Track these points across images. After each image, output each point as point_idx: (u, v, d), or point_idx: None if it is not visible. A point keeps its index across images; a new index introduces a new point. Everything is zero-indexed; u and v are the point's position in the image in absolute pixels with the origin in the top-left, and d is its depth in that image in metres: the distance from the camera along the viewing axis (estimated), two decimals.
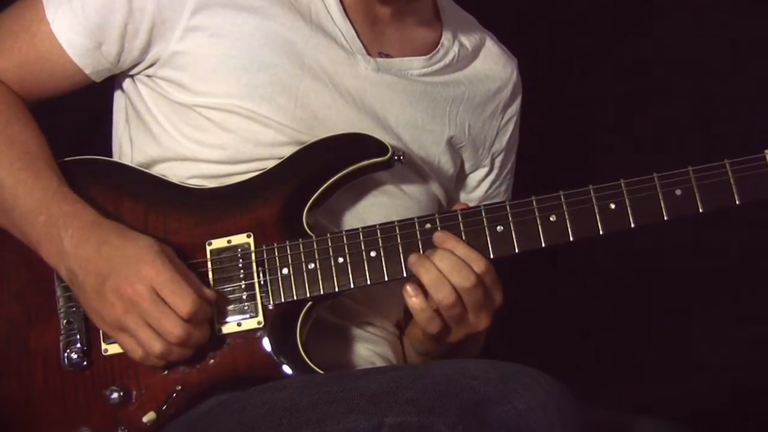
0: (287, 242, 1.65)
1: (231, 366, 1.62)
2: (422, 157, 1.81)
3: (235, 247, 1.65)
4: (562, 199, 1.61)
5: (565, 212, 1.61)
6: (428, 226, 1.63)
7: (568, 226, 1.61)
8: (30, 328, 1.67)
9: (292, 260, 1.64)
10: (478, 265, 1.59)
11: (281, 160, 1.70)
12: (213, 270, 1.65)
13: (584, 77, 2.47)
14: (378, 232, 1.64)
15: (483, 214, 1.63)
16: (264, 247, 1.65)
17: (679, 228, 1.63)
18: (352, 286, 1.63)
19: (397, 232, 1.64)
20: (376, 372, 1.62)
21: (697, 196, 1.59)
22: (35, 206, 1.63)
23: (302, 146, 1.70)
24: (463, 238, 1.62)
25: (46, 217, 1.62)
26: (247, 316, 1.63)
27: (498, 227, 1.62)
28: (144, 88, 1.77)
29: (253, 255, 1.65)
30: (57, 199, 1.63)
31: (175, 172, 1.74)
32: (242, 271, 1.64)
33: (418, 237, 1.63)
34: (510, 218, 1.62)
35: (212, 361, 1.62)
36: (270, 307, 1.63)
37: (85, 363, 1.64)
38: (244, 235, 1.66)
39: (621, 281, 2.40)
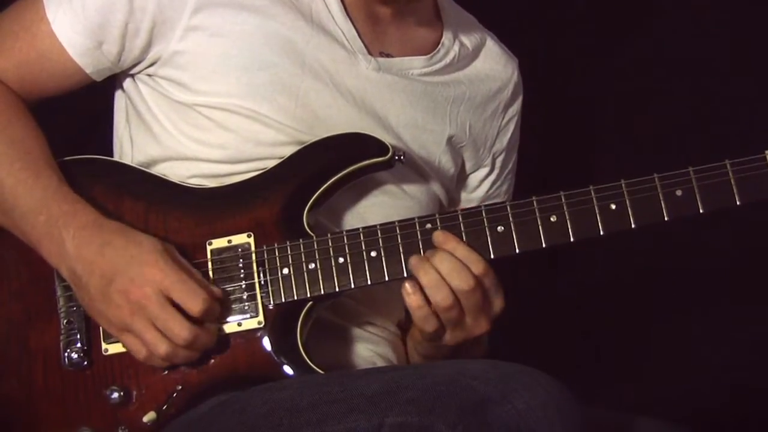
0: (288, 242, 1.64)
1: (231, 366, 1.62)
2: (423, 157, 1.81)
3: (236, 246, 1.65)
4: (563, 200, 1.61)
5: (566, 212, 1.61)
6: (429, 226, 1.63)
7: (569, 226, 1.60)
8: (30, 328, 1.67)
9: (292, 260, 1.64)
10: (478, 267, 1.59)
11: (282, 159, 1.70)
12: (213, 270, 1.65)
13: (584, 77, 2.47)
14: (378, 232, 1.64)
15: (483, 215, 1.63)
16: (264, 247, 1.65)
17: (679, 228, 1.63)
18: (352, 286, 1.63)
19: (398, 232, 1.63)
20: (376, 372, 1.62)
21: (697, 196, 1.59)
22: (35, 206, 1.63)
23: (303, 146, 1.70)
24: (464, 238, 1.62)
25: (46, 217, 1.62)
26: (248, 316, 1.63)
27: (498, 227, 1.62)
28: (144, 87, 1.77)
29: (253, 255, 1.65)
30: (57, 198, 1.63)
31: (175, 172, 1.74)
32: (243, 270, 1.64)
33: (419, 237, 1.63)
34: (510, 218, 1.62)
35: (212, 361, 1.62)
36: (270, 307, 1.63)
37: (85, 363, 1.64)
38: (245, 234, 1.66)
39: (621, 281, 2.40)
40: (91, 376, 1.64)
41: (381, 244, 1.63)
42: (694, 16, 2.42)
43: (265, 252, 1.64)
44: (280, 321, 1.63)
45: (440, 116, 1.84)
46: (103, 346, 1.64)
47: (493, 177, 1.95)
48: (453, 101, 1.85)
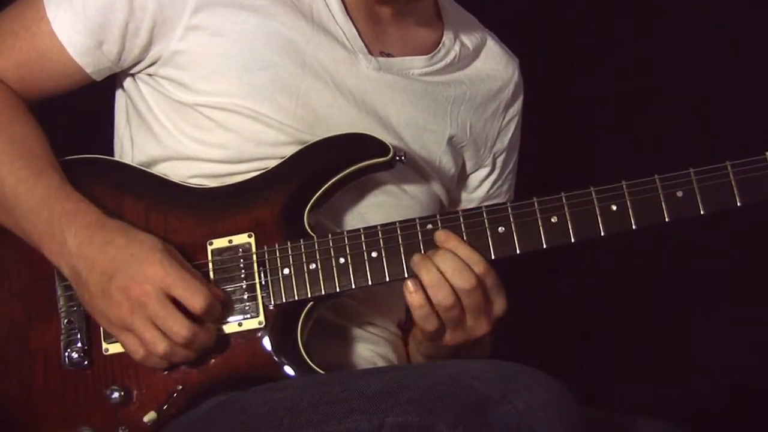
0: (288, 242, 1.64)
1: (232, 366, 1.62)
2: (423, 157, 1.81)
3: (237, 247, 1.65)
4: (564, 201, 1.61)
5: (567, 213, 1.61)
6: (430, 226, 1.63)
7: (570, 227, 1.60)
8: (31, 328, 1.67)
9: (293, 260, 1.64)
10: (479, 266, 1.59)
11: (282, 159, 1.70)
12: (214, 270, 1.64)
13: (584, 77, 2.47)
14: (379, 232, 1.64)
15: (484, 215, 1.63)
16: (265, 247, 1.65)
17: (679, 229, 1.62)
18: (353, 286, 1.63)
19: (399, 232, 1.63)
20: (377, 372, 1.62)
21: (698, 197, 1.59)
22: (37, 204, 1.63)
23: (303, 146, 1.70)
24: (465, 238, 1.62)
25: (48, 215, 1.61)
26: (248, 316, 1.63)
27: (499, 228, 1.62)
28: (145, 87, 1.77)
29: (254, 255, 1.65)
30: (60, 197, 1.63)
31: (176, 172, 1.74)
32: (243, 271, 1.64)
33: (420, 237, 1.63)
34: (511, 219, 1.62)
35: (213, 361, 1.62)
36: (271, 307, 1.63)
37: (85, 362, 1.64)
38: (245, 234, 1.66)
39: (622, 282, 2.40)
40: (91, 375, 1.64)
41: (382, 245, 1.63)
42: (694, 16, 2.42)
43: (265, 252, 1.64)
44: (280, 321, 1.63)
45: (441, 116, 1.83)
46: (104, 345, 1.64)
47: (493, 177, 1.95)
48: (454, 101, 1.85)
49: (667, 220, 1.60)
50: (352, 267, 1.63)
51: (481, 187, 1.95)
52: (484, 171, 1.94)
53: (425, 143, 1.82)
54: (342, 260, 1.63)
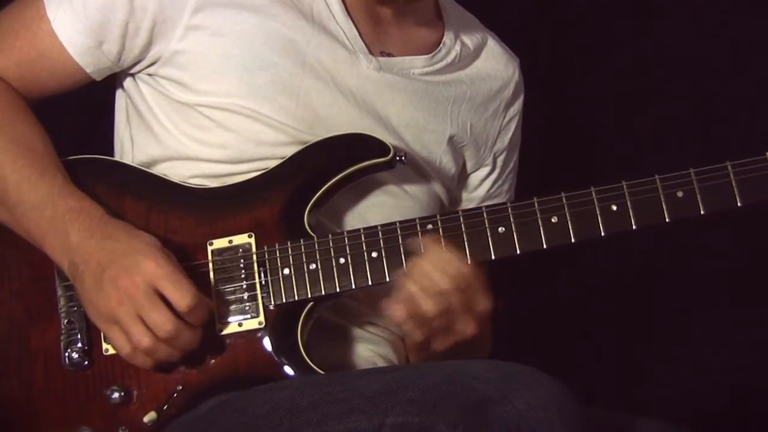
0: (288, 242, 1.65)
1: (232, 366, 1.62)
2: (424, 157, 1.81)
3: (237, 247, 1.65)
4: (564, 201, 1.61)
5: (567, 213, 1.61)
6: (430, 226, 1.63)
7: (570, 227, 1.61)
8: (31, 328, 1.67)
9: (293, 260, 1.64)
10: (454, 267, 1.59)
11: (283, 159, 1.70)
12: (214, 270, 1.65)
13: (584, 77, 2.47)
14: (380, 232, 1.64)
15: (484, 215, 1.63)
16: (265, 248, 1.65)
17: (679, 229, 1.63)
18: (353, 286, 1.63)
19: (399, 232, 1.64)
20: (377, 372, 1.62)
21: (698, 198, 1.59)
22: (40, 202, 1.63)
23: (304, 146, 1.70)
24: (465, 239, 1.62)
25: (51, 213, 1.62)
26: (249, 316, 1.63)
27: (499, 228, 1.62)
28: (145, 86, 1.77)
29: (254, 255, 1.65)
30: (63, 194, 1.63)
31: (176, 172, 1.74)
32: (243, 271, 1.64)
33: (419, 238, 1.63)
34: (511, 219, 1.62)
35: (213, 361, 1.62)
36: (271, 307, 1.63)
37: (86, 362, 1.64)
38: (246, 235, 1.66)
39: (622, 282, 2.40)
40: (91, 375, 1.65)
41: (382, 245, 1.63)
42: (694, 16, 2.42)
43: (266, 252, 1.65)
44: (280, 321, 1.63)
45: (441, 116, 1.83)
46: (104, 346, 1.64)
47: (494, 176, 1.95)
48: (454, 101, 1.85)
49: (667, 220, 1.60)
50: (352, 267, 1.63)
51: (481, 187, 1.94)
52: (485, 170, 1.94)
53: (426, 143, 1.82)
54: (342, 260, 1.63)
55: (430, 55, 1.83)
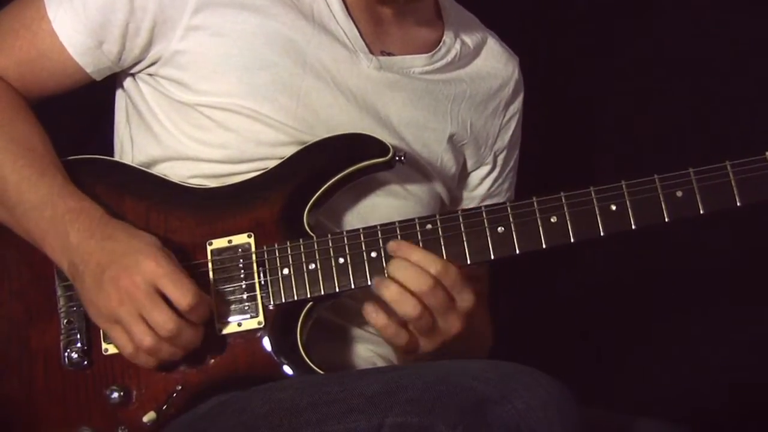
0: (288, 242, 1.64)
1: (231, 366, 1.62)
2: (424, 156, 1.81)
3: (236, 247, 1.65)
4: (563, 200, 1.61)
5: (566, 213, 1.61)
6: (429, 226, 1.63)
7: (569, 227, 1.60)
8: (31, 328, 1.67)
9: (292, 260, 1.64)
10: (435, 267, 1.58)
11: (282, 159, 1.70)
12: (214, 270, 1.64)
13: (584, 77, 2.47)
14: (379, 232, 1.64)
15: (484, 215, 1.62)
16: (265, 247, 1.65)
17: (679, 229, 1.62)
18: (352, 286, 1.63)
19: (398, 232, 1.63)
20: (376, 372, 1.62)
21: (698, 197, 1.59)
22: (40, 202, 1.63)
23: (303, 146, 1.70)
24: (464, 238, 1.62)
25: (51, 213, 1.62)
26: (248, 316, 1.63)
27: (499, 228, 1.62)
28: (145, 86, 1.77)
29: (253, 255, 1.65)
30: (63, 195, 1.63)
31: (176, 172, 1.74)
32: (243, 271, 1.64)
33: (419, 237, 1.63)
34: (511, 219, 1.62)
35: (213, 361, 1.62)
36: (270, 307, 1.63)
37: (85, 363, 1.64)
38: (245, 235, 1.66)
39: (621, 282, 2.40)
40: (91, 375, 1.65)
41: (381, 245, 1.63)
42: (694, 16, 2.42)
43: (265, 252, 1.64)
44: (280, 321, 1.63)
45: (441, 114, 1.84)
46: (104, 346, 1.64)
47: (494, 175, 1.95)
48: (454, 99, 1.85)
49: (666, 220, 1.60)
50: (352, 267, 1.63)
51: (481, 185, 1.94)
52: (485, 169, 1.94)
53: (426, 142, 1.82)
54: (341, 260, 1.63)
55: (430, 54, 1.84)
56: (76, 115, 2.06)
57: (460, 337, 1.62)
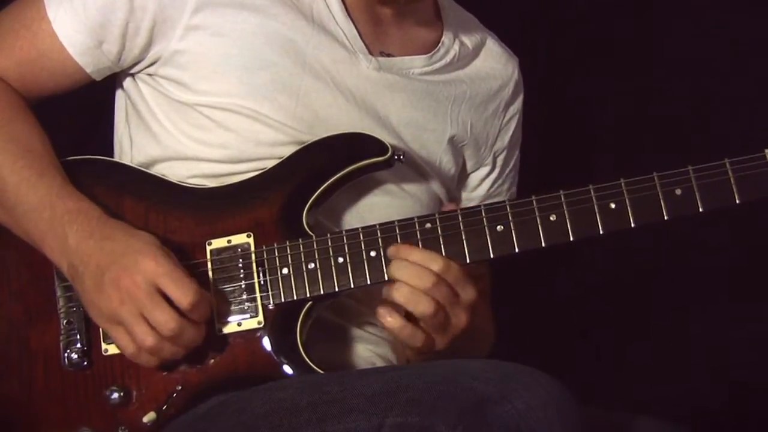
0: (287, 242, 1.64)
1: (231, 366, 1.62)
2: (423, 157, 1.81)
3: (235, 247, 1.65)
4: (563, 199, 1.61)
5: (566, 212, 1.61)
6: (428, 225, 1.63)
7: (569, 225, 1.60)
8: (30, 328, 1.67)
9: (292, 260, 1.64)
10: (437, 264, 1.58)
11: (281, 159, 1.70)
12: (213, 270, 1.64)
13: (584, 77, 2.47)
14: (378, 231, 1.64)
15: (483, 214, 1.62)
16: (264, 247, 1.65)
17: (678, 227, 1.62)
18: (352, 285, 1.63)
19: (398, 231, 1.63)
20: (376, 372, 1.62)
21: (697, 195, 1.59)
22: (39, 203, 1.63)
23: (302, 146, 1.70)
24: (464, 237, 1.62)
25: (50, 214, 1.62)
26: (248, 316, 1.63)
27: (498, 227, 1.62)
28: (145, 86, 1.77)
29: (253, 255, 1.65)
30: (62, 195, 1.63)
31: (175, 172, 1.74)
32: (242, 271, 1.64)
33: (418, 237, 1.63)
34: (510, 218, 1.62)
35: (212, 361, 1.62)
36: (270, 306, 1.63)
37: (85, 363, 1.64)
38: (244, 234, 1.66)
39: (621, 280, 2.40)
40: (91, 376, 1.65)
41: (380, 244, 1.63)
42: (694, 16, 2.42)
43: (264, 252, 1.64)
44: (279, 321, 1.63)
45: (441, 115, 1.84)
46: (103, 346, 1.64)
47: (494, 176, 1.95)
48: (454, 100, 1.85)
49: (666, 217, 1.60)
50: (351, 266, 1.63)
51: (481, 186, 1.95)
52: (485, 170, 1.94)
53: (425, 143, 1.82)
54: (341, 260, 1.63)
55: (429, 54, 1.84)
56: (76, 115, 2.06)
57: (467, 332, 1.63)
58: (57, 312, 1.67)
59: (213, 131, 1.72)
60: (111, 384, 1.63)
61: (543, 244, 1.61)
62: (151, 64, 1.74)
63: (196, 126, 1.73)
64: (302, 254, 1.64)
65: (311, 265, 1.63)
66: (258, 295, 1.63)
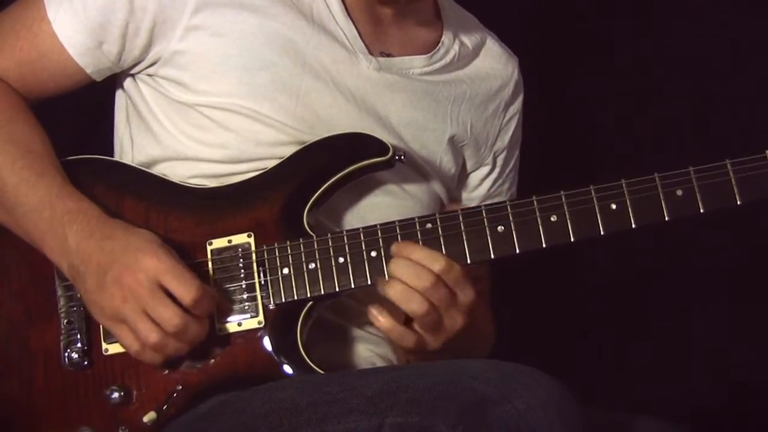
0: (288, 242, 1.65)
1: (231, 366, 1.62)
2: (424, 157, 1.81)
3: (236, 246, 1.65)
4: (563, 199, 1.61)
5: (566, 212, 1.61)
6: (429, 225, 1.63)
7: (569, 226, 1.60)
8: (31, 328, 1.67)
9: (292, 260, 1.64)
10: (438, 264, 1.58)
11: (282, 159, 1.70)
12: (213, 270, 1.64)
13: (584, 77, 2.47)
14: (379, 231, 1.64)
15: (484, 214, 1.62)
16: (264, 247, 1.65)
17: (678, 227, 1.62)
18: (352, 285, 1.63)
19: (398, 231, 1.63)
20: (376, 372, 1.62)
21: (698, 196, 1.59)
22: (38, 204, 1.63)
23: (303, 146, 1.70)
24: (464, 238, 1.62)
25: (50, 214, 1.62)
26: (248, 315, 1.63)
27: (499, 227, 1.62)
28: (145, 87, 1.77)
29: (253, 255, 1.65)
30: (62, 196, 1.63)
31: (175, 172, 1.74)
32: (243, 270, 1.64)
33: (419, 237, 1.63)
34: (511, 218, 1.62)
35: (213, 360, 1.62)
36: (271, 306, 1.63)
37: (85, 363, 1.64)
38: (245, 234, 1.66)
39: (621, 281, 2.40)
40: (91, 375, 1.65)
41: (381, 244, 1.63)
42: (694, 16, 2.42)
43: (265, 252, 1.64)
44: (280, 321, 1.63)
45: (441, 115, 1.84)
46: (104, 346, 1.64)
47: (494, 175, 1.95)
48: (454, 100, 1.85)
49: (666, 218, 1.60)
50: (352, 266, 1.63)
51: (481, 186, 1.95)
52: (485, 170, 1.94)
53: (425, 143, 1.82)
54: (341, 260, 1.63)
55: (429, 54, 1.84)
56: (76, 115, 2.06)
57: (464, 334, 1.63)
58: (57, 311, 1.67)
59: (213, 131, 1.72)
60: (111, 384, 1.63)
61: (544, 245, 1.61)
62: (152, 65, 1.74)
63: (197, 126, 1.73)
64: (303, 254, 1.64)
65: (312, 265, 1.63)
66: (258, 294, 1.63)
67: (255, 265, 1.64)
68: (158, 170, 1.75)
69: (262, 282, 1.64)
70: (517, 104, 1.96)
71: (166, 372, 1.62)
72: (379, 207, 1.76)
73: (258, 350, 1.62)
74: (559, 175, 2.00)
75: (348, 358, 1.76)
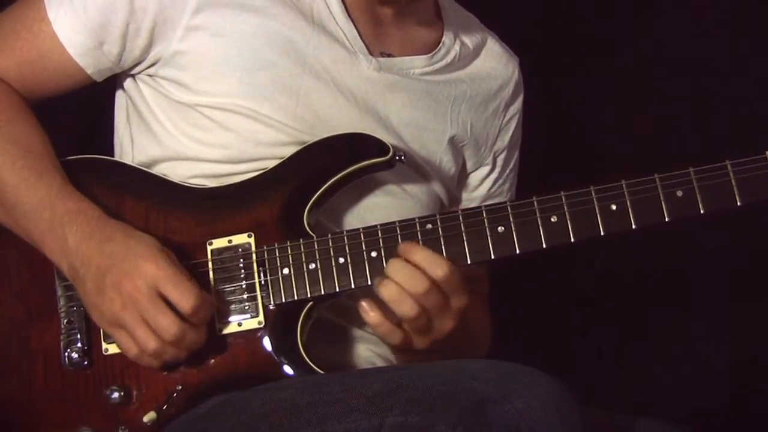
0: (288, 242, 1.64)
1: (231, 366, 1.62)
2: (424, 157, 1.81)
3: (236, 246, 1.65)
4: (563, 200, 1.61)
5: (566, 213, 1.61)
6: (429, 226, 1.63)
7: (570, 226, 1.60)
8: (31, 328, 1.67)
9: (292, 260, 1.64)
10: (440, 269, 1.57)
11: (282, 159, 1.70)
12: (214, 270, 1.64)
13: (584, 77, 2.47)
14: (379, 232, 1.64)
15: (484, 215, 1.62)
16: (265, 247, 1.65)
17: (678, 228, 1.62)
18: (353, 286, 1.63)
19: (398, 232, 1.63)
20: (376, 372, 1.62)
21: (698, 197, 1.59)
22: (38, 204, 1.63)
23: (303, 146, 1.70)
24: (465, 238, 1.62)
25: (50, 215, 1.62)
26: (248, 316, 1.63)
27: (499, 228, 1.62)
28: (145, 87, 1.77)
29: (253, 255, 1.65)
30: (62, 196, 1.63)
31: (176, 172, 1.74)
32: (243, 271, 1.64)
33: (419, 237, 1.63)
34: (511, 219, 1.62)
35: (213, 361, 1.62)
36: (271, 307, 1.63)
37: (85, 362, 1.64)
38: (245, 234, 1.66)
39: (621, 281, 2.40)
40: (91, 375, 1.65)
41: (381, 244, 1.63)
42: (694, 16, 2.42)
43: (265, 252, 1.64)
44: (280, 321, 1.63)
45: (441, 115, 1.84)
46: (104, 345, 1.64)
47: (494, 176, 1.95)
48: (454, 100, 1.85)
49: (667, 219, 1.60)
50: (352, 267, 1.63)
51: (481, 186, 1.94)
52: (485, 170, 1.94)
53: (426, 143, 1.82)
54: (341, 260, 1.63)
55: (430, 54, 1.84)
56: (76, 115, 2.06)
57: (453, 336, 1.62)
58: (57, 311, 1.67)
59: (213, 131, 1.72)
60: (111, 383, 1.63)
61: (544, 245, 1.61)
62: (152, 65, 1.74)
63: (197, 126, 1.73)
64: (303, 254, 1.64)
65: (312, 266, 1.63)
66: (259, 295, 1.63)
67: (255, 265, 1.64)
68: (158, 170, 1.75)
69: (263, 282, 1.64)
70: (517, 104, 1.96)
71: (166, 372, 1.62)
72: (379, 207, 1.76)
73: (258, 350, 1.62)
74: (559, 176, 2.00)
75: (348, 358, 1.76)
